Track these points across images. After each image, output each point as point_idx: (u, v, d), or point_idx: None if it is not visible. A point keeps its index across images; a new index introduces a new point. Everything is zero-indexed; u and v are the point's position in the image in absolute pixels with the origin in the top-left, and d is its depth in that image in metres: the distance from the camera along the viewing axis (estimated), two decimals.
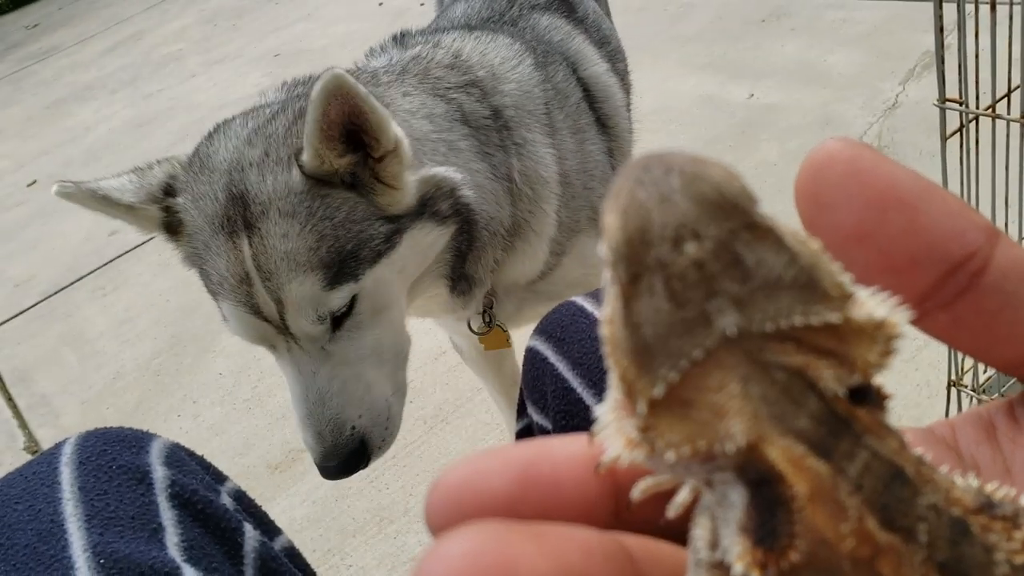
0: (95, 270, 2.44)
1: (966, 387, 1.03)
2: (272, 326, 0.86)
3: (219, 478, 0.70)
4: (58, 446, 0.63)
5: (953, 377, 1.03)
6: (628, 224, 0.24)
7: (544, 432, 0.85)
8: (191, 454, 0.69)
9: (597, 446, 0.26)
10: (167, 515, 0.59)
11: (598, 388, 0.80)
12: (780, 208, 1.92)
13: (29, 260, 2.61)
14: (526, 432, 0.93)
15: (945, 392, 1.06)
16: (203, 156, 0.89)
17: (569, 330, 0.86)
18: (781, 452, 0.23)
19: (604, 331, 0.25)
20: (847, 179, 0.27)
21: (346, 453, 0.89)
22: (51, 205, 2.89)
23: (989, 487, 0.25)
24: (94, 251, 2.53)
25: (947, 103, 0.90)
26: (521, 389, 0.91)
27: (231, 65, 3.59)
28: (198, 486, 0.64)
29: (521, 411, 0.94)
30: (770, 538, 0.23)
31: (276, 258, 0.81)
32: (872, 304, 0.24)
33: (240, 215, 0.83)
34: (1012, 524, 0.24)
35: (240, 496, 0.71)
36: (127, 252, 2.47)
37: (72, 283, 2.41)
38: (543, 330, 0.89)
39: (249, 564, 0.63)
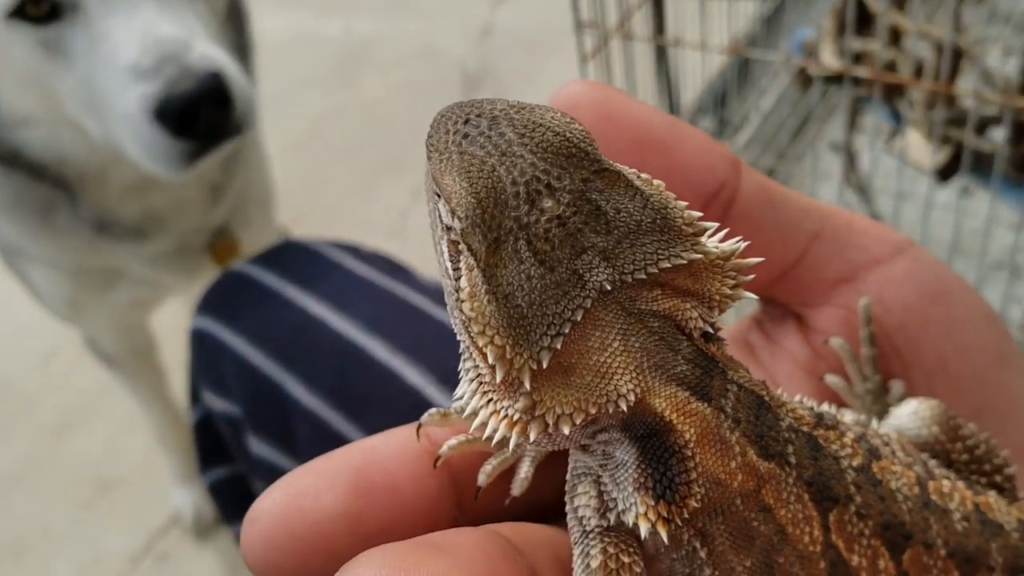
0: None
1: None
2: None
3: None
4: None
5: None
6: (475, 186, 0.22)
7: (229, 418, 0.77)
8: None
9: (430, 439, 0.25)
10: None
11: (289, 363, 0.74)
12: (391, 147, 1.90)
13: None
14: (206, 422, 0.84)
15: None
16: None
17: (240, 303, 0.79)
18: (667, 401, 0.23)
19: (465, 309, 0.22)
20: (599, 124, 0.27)
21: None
22: None
23: (808, 401, 0.28)
24: None
25: (581, 26, 0.94)
26: (191, 376, 0.83)
27: None
28: None
29: (194, 399, 0.85)
30: (670, 490, 0.23)
31: None
32: (716, 238, 0.25)
33: None
34: (838, 432, 0.26)
35: None
36: None
37: None
38: (209, 307, 0.81)
39: None
